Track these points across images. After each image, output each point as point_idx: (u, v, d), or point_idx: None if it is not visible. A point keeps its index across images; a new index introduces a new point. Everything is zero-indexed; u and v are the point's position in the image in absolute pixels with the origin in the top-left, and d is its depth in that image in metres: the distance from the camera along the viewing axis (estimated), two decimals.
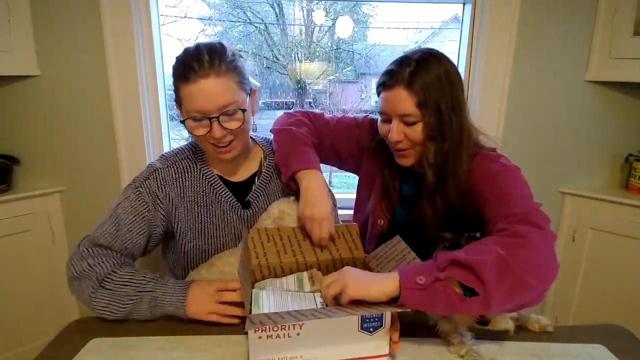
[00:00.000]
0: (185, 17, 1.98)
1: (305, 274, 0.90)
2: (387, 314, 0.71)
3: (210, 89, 0.84)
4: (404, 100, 0.85)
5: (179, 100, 0.90)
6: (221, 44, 0.89)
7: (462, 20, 1.68)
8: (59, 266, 1.68)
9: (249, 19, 2.12)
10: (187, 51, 0.88)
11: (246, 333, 0.73)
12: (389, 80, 0.87)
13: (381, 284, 0.72)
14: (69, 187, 1.67)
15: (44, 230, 1.64)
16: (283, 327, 0.67)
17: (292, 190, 1.00)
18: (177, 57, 0.90)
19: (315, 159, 0.97)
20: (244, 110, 0.89)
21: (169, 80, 1.82)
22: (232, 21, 2.15)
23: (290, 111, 1.13)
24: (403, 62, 0.87)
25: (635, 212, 1.53)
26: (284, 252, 0.91)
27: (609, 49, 1.55)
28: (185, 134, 2.32)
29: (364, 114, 1.13)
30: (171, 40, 1.85)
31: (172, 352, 0.73)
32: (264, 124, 2.19)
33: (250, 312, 0.76)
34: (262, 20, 2.14)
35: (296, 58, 2.21)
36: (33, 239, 1.60)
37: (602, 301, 1.65)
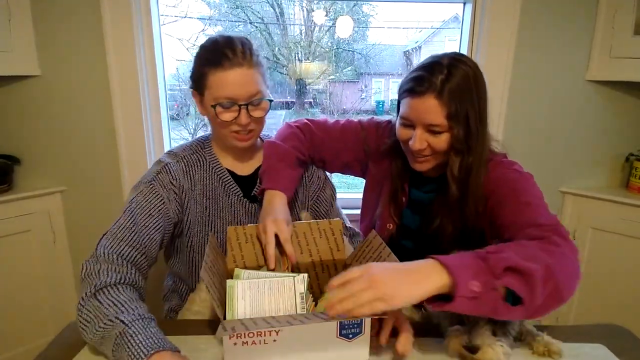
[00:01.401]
0: (185, 17, 1.98)
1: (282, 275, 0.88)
2: (367, 320, 0.69)
3: (242, 78, 0.88)
4: (433, 110, 0.81)
5: (201, 86, 0.92)
6: (248, 39, 0.93)
7: (462, 20, 1.68)
8: (60, 266, 1.69)
9: (249, 19, 2.12)
10: (217, 40, 0.91)
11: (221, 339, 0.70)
12: (418, 87, 0.81)
13: (425, 286, 0.62)
14: (69, 187, 1.67)
15: (45, 230, 1.64)
16: (259, 333, 0.65)
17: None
18: (204, 45, 0.93)
19: (286, 178, 0.98)
20: (270, 101, 0.96)
21: (170, 80, 1.83)
22: (232, 21, 2.15)
23: (292, 120, 1.12)
24: (434, 68, 0.82)
25: (635, 212, 1.53)
26: (262, 254, 0.87)
27: (610, 48, 1.55)
28: (185, 134, 2.32)
29: (370, 117, 1.12)
30: (171, 40, 1.85)
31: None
32: None
33: (225, 317, 0.73)
34: (262, 20, 2.14)
35: (296, 58, 2.21)
36: (34, 239, 1.60)
37: (603, 301, 1.65)
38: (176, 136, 1.84)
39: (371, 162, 1.09)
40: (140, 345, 0.65)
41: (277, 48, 2.20)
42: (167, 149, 1.72)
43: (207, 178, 1.00)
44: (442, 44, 2.23)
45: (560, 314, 1.75)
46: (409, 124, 0.87)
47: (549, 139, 1.68)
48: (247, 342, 0.65)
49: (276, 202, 0.93)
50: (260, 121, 0.96)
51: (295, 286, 0.76)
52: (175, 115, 2.05)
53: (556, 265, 0.66)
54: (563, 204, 1.72)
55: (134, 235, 0.86)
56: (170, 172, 0.95)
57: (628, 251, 1.57)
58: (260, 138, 1.10)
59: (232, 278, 0.86)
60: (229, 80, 0.88)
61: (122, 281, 0.78)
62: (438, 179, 0.96)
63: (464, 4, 1.66)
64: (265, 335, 0.65)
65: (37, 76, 1.55)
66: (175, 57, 1.87)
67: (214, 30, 2.15)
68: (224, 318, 0.72)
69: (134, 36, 1.53)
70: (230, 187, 1.01)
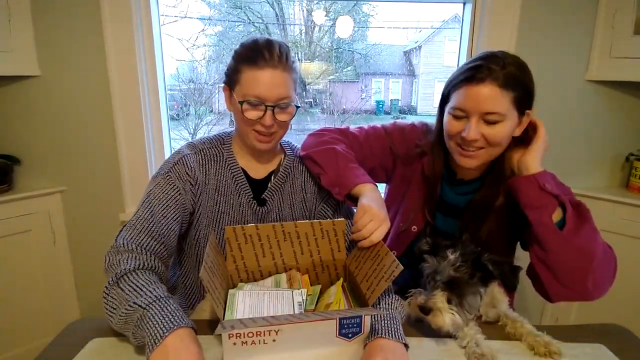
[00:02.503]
0: (185, 17, 1.98)
1: (283, 276, 0.87)
2: (366, 318, 0.69)
3: (274, 79, 0.90)
4: (494, 97, 0.81)
5: (233, 82, 0.94)
6: (287, 45, 0.95)
7: (462, 19, 1.68)
8: (60, 266, 1.70)
9: (249, 19, 2.13)
10: (257, 40, 0.93)
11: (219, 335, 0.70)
12: (478, 74, 0.82)
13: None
14: (69, 187, 1.67)
15: (45, 230, 1.64)
16: (258, 333, 0.64)
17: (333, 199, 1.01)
18: (244, 43, 0.95)
19: (364, 173, 0.96)
20: (297, 107, 0.97)
21: (170, 80, 1.83)
22: (232, 21, 2.15)
23: (315, 130, 1.11)
24: (489, 58, 0.84)
25: (635, 212, 1.53)
26: (262, 255, 0.86)
27: (609, 48, 1.55)
28: (185, 134, 2.33)
29: (392, 122, 1.11)
30: (171, 40, 1.85)
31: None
32: None
33: (224, 317, 0.73)
34: (262, 20, 2.14)
35: (296, 58, 2.21)
36: (34, 239, 1.61)
37: (603, 301, 1.63)
38: (176, 136, 1.84)
39: (399, 166, 1.08)
40: (157, 327, 0.67)
41: None
42: (167, 149, 1.73)
43: (222, 174, 1.01)
44: (442, 44, 2.23)
45: (560, 314, 1.75)
46: (462, 115, 0.86)
47: (549, 139, 1.67)
48: (246, 341, 0.65)
49: (375, 197, 0.89)
50: (284, 125, 0.97)
51: (294, 297, 0.77)
52: (175, 115, 2.05)
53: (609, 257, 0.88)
54: None
55: (152, 226, 0.87)
56: (187, 164, 0.96)
57: (628, 251, 1.56)
58: (280, 144, 1.10)
59: (231, 279, 0.87)
60: (261, 80, 0.90)
61: (141, 267, 0.80)
62: (475, 181, 0.96)
63: (464, 4, 1.66)
64: (264, 335, 0.65)
65: (37, 76, 1.55)
66: (175, 57, 1.87)
67: (213, 30, 2.16)
68: (223, 318, 0.72)
69: (134, 36, 1.53)
70: (242, 187, 1.02)
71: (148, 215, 0.88)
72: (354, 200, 0.91)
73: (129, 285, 0.75)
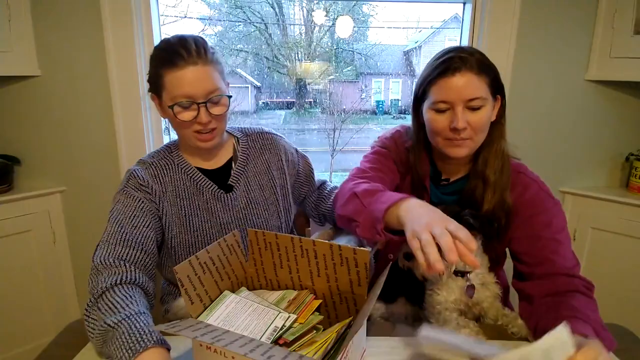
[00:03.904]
0: (185, 17, 1.98)
1: (293, 293, 0.80)
2: None
3: (198, 75, 0.88)
4: (473, 83, 0.84)
5: (158, 88, 0.91)
6: (202, 37, 0.92)
7: (462, 20, 1.69)
8: (60, 266, 1.69)
9: (249, 19, 2.12)
10: (169, 40, 0.90)
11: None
12: (453, 64, 0.84)
13: None
14: (69, 187, 1.67)
15: (45, 230, 1.64)
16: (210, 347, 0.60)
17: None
18: (158, 46, 0.92)
19: (391, 193, 0.85)
20: (229, 97, 0.94)
21: None
22: (232, 21, 2.15)
23: (338, 190, 1.04)
24: (457, 50, 0.86)
25: (635, 212, 1.53)
26: (279, 266, 0.82)
27: (609, 48, 1.55)
28: None
29: (380, 138, 1.08)
30: None
31: (172, 352, 0.72)
32: (263, 124, 2.19)
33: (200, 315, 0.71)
34: (262, 20, 2.14)
35: (296, 58, 2.21)
36: (34, 239, 1.61)
37: (603, 301, 1.62)
38: (176, 136, 1.84)
39: (401, 176, 1.05)
40: (123, 349, 0.63)
41: (277, 48, 2.20)
42: None
43: (177, 179, 0.99)
44: (442, 44, 2.23)
45: None
46: (445, 107, 0.86)
47: (549, 139, 1.68)
48: (210, 348, 0.62)
49: (416, 205, 0.77)
50: (221, 118, 0.94)
51: (275, 320, 0.71)
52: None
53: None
54: (563, 203, 1.72)
55: (125, 236, 0.86)
56: (138, 177, 0.95)
57: (628, 251, 1.57)
58: (228, 131, 1.09)
59: (252, 281, 0.85)
60: (185, 79, 0.87)
61: (120, 282, 0.77)
62: (461, 180, 0.96)
63: (464, 4, 1.66)
64: (224, 355, 0.60)
65: (37, 76, 1.55)
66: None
67: (213, 30, 2.16)
68: (198, 316, 0.70)
69: (133, 36, 1.53)
70: (202, 183, 1.00)
71: (117, 228, 0.87)
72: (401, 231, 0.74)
73: (105, 304, 0.73)
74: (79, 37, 1.52)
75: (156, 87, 0.92)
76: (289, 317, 0.72)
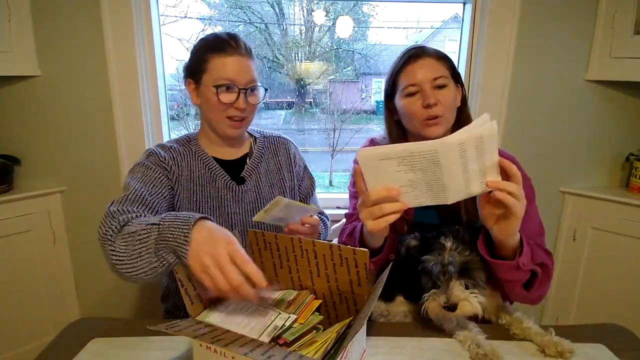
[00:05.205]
0: (185, 17, 1.98)
1: (293, 293, 0.80)
2: None
3: (242, 64, 0.97)
4: (435, 65, 0.96)
5: (199, 72, 0.97)
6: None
7: (462, 20, 1.68)
8: (60, 266, 1.69)
9: (249, 19, 2.12)
10: (218, 33, 1.00)
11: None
12: (415, 53, 0.97)
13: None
14: (69, 187, 1.67)
15: (45, 230, 1.64)
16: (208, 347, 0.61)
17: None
18: (205, 37, 1.01)
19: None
20: (266, 89, 1.04)
21: (169, 80, 1.83)
22: (232, 21, 2.15)
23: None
24: (419, 46, 1.00)
25: (635, 212, 1.53)
26: (279, 266, 0.82)
27: (609, 48, 1.55)
28: (186, 131, 2.32)
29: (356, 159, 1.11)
30: (171, 40, 1.85)
31: (172, 352, 0.73)
32: (263, 124, 2.19)
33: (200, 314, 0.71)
34: (262, 20, 2.14)
35: (296, 58, 2.21)
36: (34, 239, 1.61)
37: (603, 301, 1.65)
38: (176, 136, 1.84)
39: None
40: (176, 228, 0.69)
41: (277, 48, 2.20)
42: None
43: (194, 166, 1.04)
44: (442, 44, 2.23)
45: (560, 314, 1.75)
46: (415, 90, 0.95)
47: (549, 139, 1.68)
48: (210, 347, 0.62)
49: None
50: (253, 109, 1.02)
51: (275, 320, 0.71)
52: (175, 115, 2.05)
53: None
54: (563, 204, 1.72)
55: (143, 198, 0.89)
56: (158, 154, 1.00)
57: (628, 251, 1.57)
58: (248, 131, 1.15)
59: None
60: (231, 64, 0.95)
61: (137, 217, 0.81)
62: None
63: (464, 4, 1.66)
64: (223, 355, 0.60)
65: (37, 76, 1.55)
66: (175, 57, 1.87)
67: (213, 30, 2.15)
68: (197, 315, 0.70)
69: (133, 36, 1.53)
70: (216, 171, 1.04)
71: (136, 190, 0.89)
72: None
73: (134, 224, 0.76)
74: (79, 37, 1.53)
75: (197, 71, 0.98)
76: (289, 317, 0.72)
